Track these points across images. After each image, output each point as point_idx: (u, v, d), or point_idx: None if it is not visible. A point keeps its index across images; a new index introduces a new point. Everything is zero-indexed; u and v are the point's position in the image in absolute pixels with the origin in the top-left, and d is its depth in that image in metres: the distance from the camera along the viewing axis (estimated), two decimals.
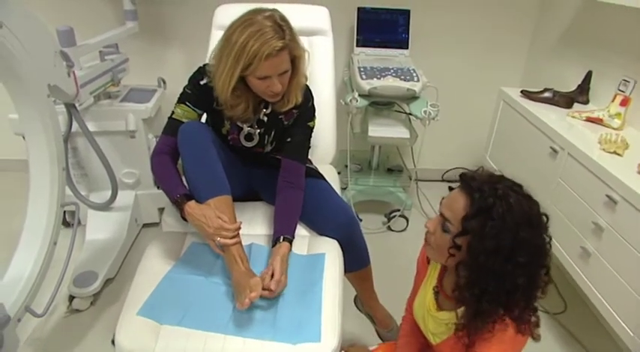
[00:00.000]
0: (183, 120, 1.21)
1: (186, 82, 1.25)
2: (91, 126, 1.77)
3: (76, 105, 1.67)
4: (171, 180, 1.17)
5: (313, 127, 1.32)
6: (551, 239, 0.80)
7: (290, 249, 1.12)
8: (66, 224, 1.99)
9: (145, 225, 2.15)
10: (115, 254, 1.82)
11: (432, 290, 0.97)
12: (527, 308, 0.80)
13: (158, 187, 2.06)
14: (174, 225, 1.28)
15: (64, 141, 1.57)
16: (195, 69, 1.26)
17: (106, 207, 1.93)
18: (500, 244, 0.73)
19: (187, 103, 1.22)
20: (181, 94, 1.24)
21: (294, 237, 1.15)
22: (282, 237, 1.12)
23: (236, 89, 1.15)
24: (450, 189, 0.84)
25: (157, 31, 2.18)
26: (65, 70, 1.45)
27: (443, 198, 0.84)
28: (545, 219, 0.79)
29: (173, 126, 1.21)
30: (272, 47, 1.04)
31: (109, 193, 1.90)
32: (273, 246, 1.12)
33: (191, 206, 1.10)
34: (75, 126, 1.74)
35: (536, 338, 0.82)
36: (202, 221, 1.06)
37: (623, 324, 1.25)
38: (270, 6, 1.70)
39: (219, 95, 1.17)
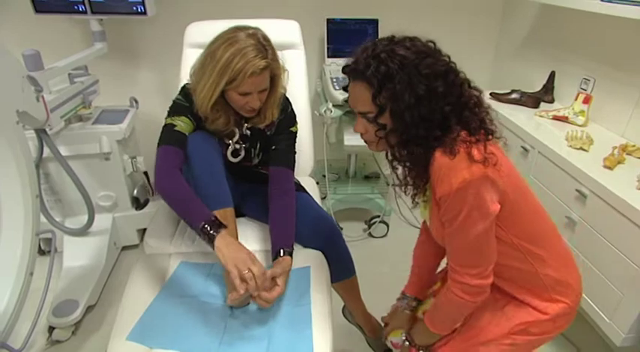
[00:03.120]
0: (186, 133, 1.19)
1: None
2: (64, 151, 1.73)
3: (47, 130, 1.63)
4: (194, 202, 1.07)
5: (296, 132, 1.33)
6: (449, 57, 0.80)
7: (291, 262, 1.10)
8: (41, 252, 1.93)
9: (125, 248, 2.10)
10: (95, 280, 1.78)
11: None
12: (471, 128, 0.78)
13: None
14: (157, 247, 1.26)
15: (35, 167, 1.53)
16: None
17: (83, 232, 1.88)
18: (417, 92, 0.74)
19: (189, 116, 1.19)
20: (178, 108, 1.20)
21: (293, 249, 1.14)
22: (282, 251, 1.11)
23: (216, 103, 1.16)
24: (344, 88, 0.84)
25: (126, 51, 2.16)
26: (34, 95, 1.42)
27: (347, 99, 0.85)
28: (432, 45, 0.80)
29: (177, 136, 1.16)
30: (256, 66, 1.07)
31: (85, 218, 1.86)
32: (274, 259, 1.11)
33: (225, 240, 1.01)
34: (46, 151, 1.70)
35: (497, 138, 0.80)
36: (230, 265, 0.97)
37: (600, 312, 1.30)
38: (240, 21, 1.72)
39: (200, 108, 1.17)
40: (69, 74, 1.75)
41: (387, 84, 0.75)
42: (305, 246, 1.27)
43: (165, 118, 1.21)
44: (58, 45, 1.96)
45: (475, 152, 0.75)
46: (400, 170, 0.86)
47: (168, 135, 1.17)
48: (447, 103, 0.77)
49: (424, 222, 1.10)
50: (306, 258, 1.21)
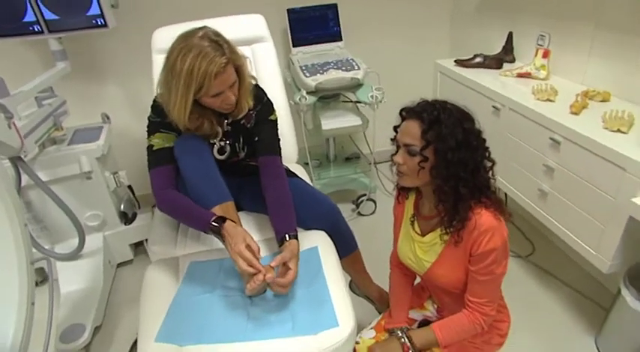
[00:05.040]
0: (167, 145, 1.21)
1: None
2: (43, 176, 1.69)
3: (22, 157, 1.59)
4: (192, 211, 1.14)
5: (276, 120, 1.35)
6: (481, 132, 0.98)
7: (299, 245, 1.13)
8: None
9: (120, 265, 2.08)
10: (97, 300, 1.76)
11: (409, 220, 1.10)
12: (488, 190, 0.98)
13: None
14: (163, 253, 1.27)
15: None
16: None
17: (75, 255, 1.85)
18: (457, 138, 0.92)
19: (162, 130, 1.22)
20: (151, 126, 1.24)
21: (297, 232, 1.16)
22: (287, 236, 1.13)
23: (192, 113, 1.16)
24: (395, 128, 1.01)
25: (90, 67, 2.10)
26: (5, 123, 1.38)
27: (393, 138, 1.01)
28: (472, 117, 0.98)
29: (159, 156, 1.21)
30: (218, 65, 1.07)
31: (74, 242, 1.83)
32: (280, 245, 1.14)
33: (228, 231, 1.08)
34: (25, 179, 1.66)
35: (508, 218, 0.98)
36: (233, 259, 1.05)
37: (586, 246, 1.39)
38: (204, 22, 1.71)
39: (179, 124, 1.18)
40: (35, 98, 1.71)
41: (436, 125, 0.92)
42: (307, 228, 1.30)
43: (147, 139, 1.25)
44: (14, 70, 1.90)
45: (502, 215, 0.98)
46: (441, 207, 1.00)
47: (151, 158, 1.23)
48: (478, 155, 0.95)
49: (395, 257, 1.22)
50: (312, 239, 1.24)
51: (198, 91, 1.10)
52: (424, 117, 0.93)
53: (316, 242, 1.23)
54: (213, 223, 1.09)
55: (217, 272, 1.16)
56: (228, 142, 1.32)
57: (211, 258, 1.21)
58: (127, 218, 2.01)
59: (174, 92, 1.10)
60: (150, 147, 1.22)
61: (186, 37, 1.10)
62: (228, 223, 1.09)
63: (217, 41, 1.10)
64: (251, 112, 1.30)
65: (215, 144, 1.30)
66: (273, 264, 1.05)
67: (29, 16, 1.67)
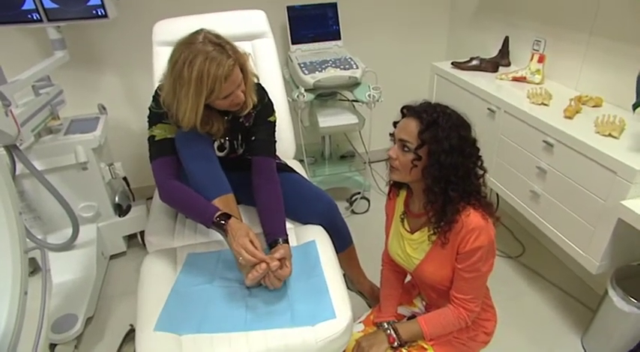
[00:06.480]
0: (169, 136, 1.21)
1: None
2: (38, 165, 1.68)
3: (18, 145, 1.58)
4: (196, 203, 1.15)
5: (275, 121, 1.36)
6: (476, 141, 1.01)
7: (289, 248, 1.14)
8: None
9: (112, 257, 2.08)
10: (90, 291, 1.75)
11: (399, 218, 1.12)
12: (478, 195, 1.01)
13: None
14: (160, 244, 1.28)
15: None
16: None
17: (68, 246, 1.84)
18: (451, 143, 0.94)
19: (164, 121, 1.22)
20: (152, 116, 1.24)
21: (287, 235, 1.18)
22: (280, 240, 1.15)
23: (202, 116, 1.16)
24: (394, 124, 1.04)
25: (88, 57, 2.08)
26: (2, 110, 1.37)
27: (392, 133, 1.03)
28: (469, 123, 1.01)
29: (162, 146, 1.21)
30: (227, 68, 1.08)
31: (67, 232, 1.82)
32: (271, 247, 1.15)
33: (232, 226, 1.10)
34: (19, 168, 1.65)
35: (495, 221, 1.01)
36: (236, 251, 1.07)
37: (576, 247, 1.43)
38: (205, 16, 1.71)
39: (188, 128, 1.17)
40: (32, 86, 1.70)
41: (433, 127, 0.94)
42: (304, 223, 1.32)
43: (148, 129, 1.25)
44: (10, 58, 1.88)
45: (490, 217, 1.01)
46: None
47: (153, 148, 1.23)
48: (470, 162, 0.98)
49: (387, 254, 1.24)
50: (309, 233, 1.26)
51: (209, 96, 1.10)
52: (423, 117, 0.95)
53: (314, 236, 1.25)
54: (220, 221, 1.10)
55: (216, 263, 1.17)
56: (227, 139, 1.33)
57: (209, 250, 1.22)
58: (121, 210, 2.01)
59: (183, 100, 1.10)
60: (152, 138, 1.22)
61: (187, 44, 1.09)
62: (232, 220, 1.10)
63: (220, 43, 1.10)
64: (251, 112, 1.31)
65: (215, 141, 1.30)
66: (277, 256, 1.06)
67: (28, 4, 1.66)
